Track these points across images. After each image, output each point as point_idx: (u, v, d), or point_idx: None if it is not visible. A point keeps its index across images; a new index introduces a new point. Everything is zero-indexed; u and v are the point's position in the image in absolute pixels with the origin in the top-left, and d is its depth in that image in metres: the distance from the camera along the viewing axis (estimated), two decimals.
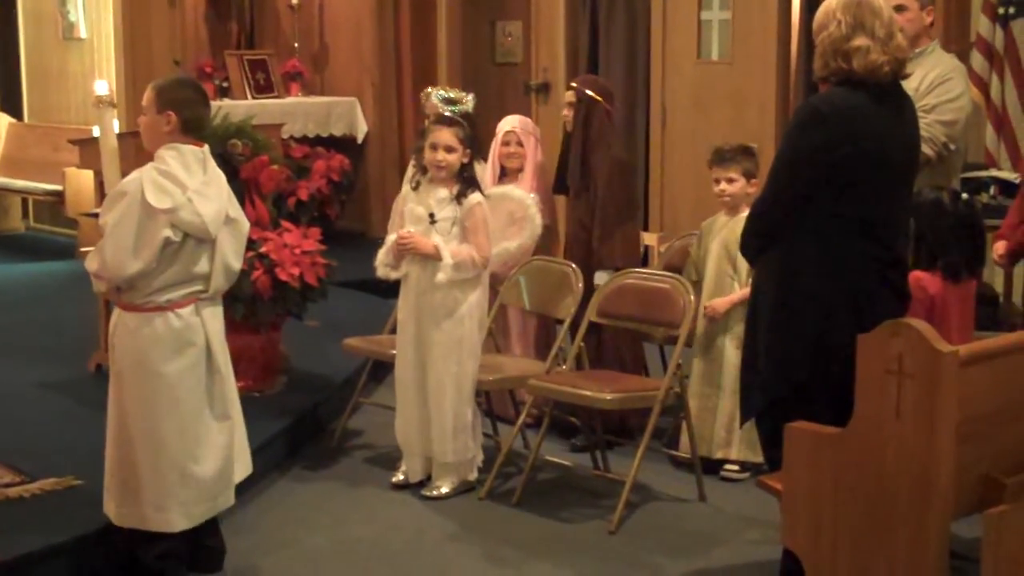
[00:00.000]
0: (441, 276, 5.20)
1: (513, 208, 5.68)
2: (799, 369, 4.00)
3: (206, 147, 4.37)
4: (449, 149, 5.29)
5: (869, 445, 3.75)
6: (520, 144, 6.20)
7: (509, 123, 6.29)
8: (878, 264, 3.98)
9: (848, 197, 3.92)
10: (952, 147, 5.20)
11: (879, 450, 3.73)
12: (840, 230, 3.94)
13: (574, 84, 6.13)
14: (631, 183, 6.13)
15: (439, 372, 5.31)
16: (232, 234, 4.37)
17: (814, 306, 3.96)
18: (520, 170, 6.19)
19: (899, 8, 5.50)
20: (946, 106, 5.19)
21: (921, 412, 3.64)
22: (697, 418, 5.46)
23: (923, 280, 4.44)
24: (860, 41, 3.91)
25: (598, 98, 5.96)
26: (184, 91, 4.35)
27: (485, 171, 6.10)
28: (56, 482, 4.93)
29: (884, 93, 3.98)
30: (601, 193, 5.88)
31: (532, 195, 5.80)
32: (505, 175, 6.22)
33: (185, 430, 4.28)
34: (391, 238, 5.40)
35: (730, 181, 5.55)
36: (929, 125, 4.98)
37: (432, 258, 5.24)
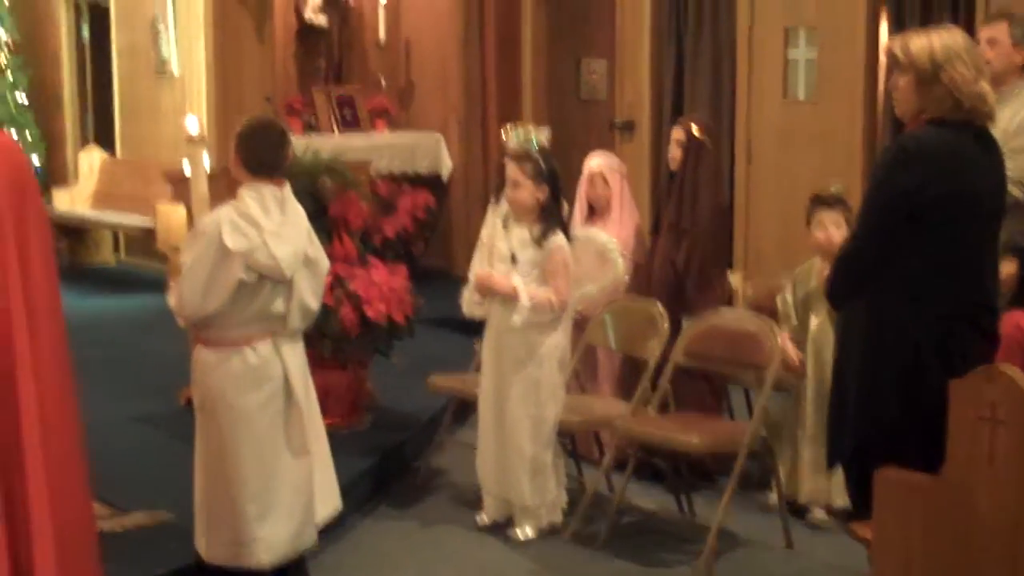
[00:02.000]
0: (516, 318, 5.20)
1: (598, 251, 5.68)
2: (888, 413, 3.96)
3: (287, 187, 4.40)
4: (515, 185, 5.30)
5: (961, 492, 3.70)
6: (606, 182, 6.19)
7: (595, 161, 6.29)
8: (967, 307, 3.94)
9: (937, 239, 3.88)
10: None
11: (971, 497, 3.68)
12: (929, 272, 3.89)
13: (686, 123, 6.06)
14: (727, 230, 6.09)
15: (517, 413, 5.31)
16: (311, 274, 4.40)
17: (903, 349, 3.92)
18: (608, 209, 6.18)
19: (991, 42, 5.46)
20: None
21: (1014, 459, 3.58)
22: (788, 462, 5.42)
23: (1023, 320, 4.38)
24: (985, 85, 3.88)
25: (705, 138, 5.92)
26: (255, 133, 4.40)
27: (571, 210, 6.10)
28: (148, 516, 5.01)
29: (974, 133, 3.94)
30: (702, 240, 5.84)
31: (615, 239, 5.79)
32: (593, 213, 6.22)
33: (263, 465, 4.32)
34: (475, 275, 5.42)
35: (836, 226, 5.44)
36: (1019, 167, 4.92)
37: (510, 299, 5.25)
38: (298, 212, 4.42)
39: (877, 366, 3.97)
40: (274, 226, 4.27)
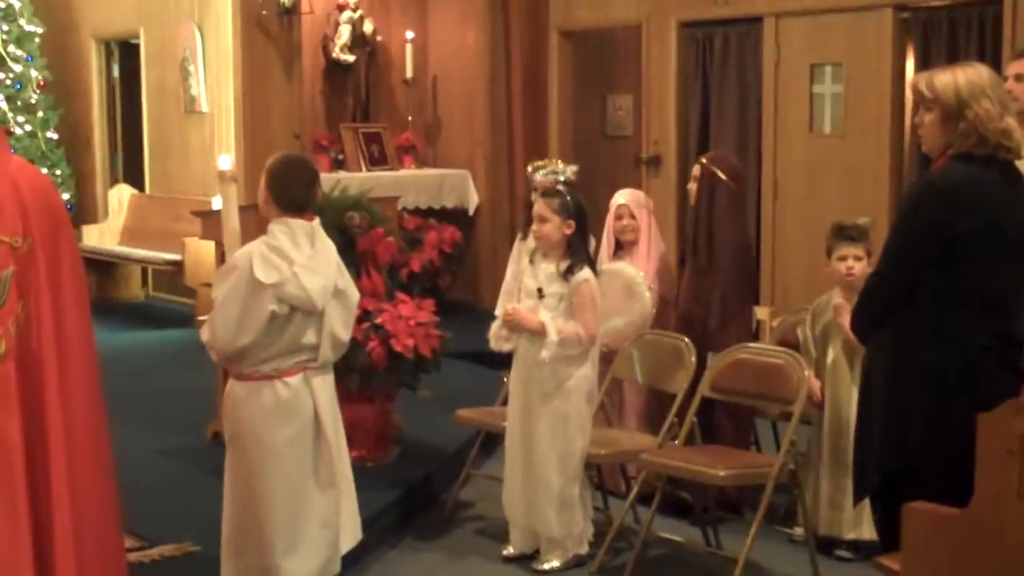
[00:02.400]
0: (545, 353, 5.22)
1: (625, 284, 5.69)
2: (913, 447, 3.94)
3: (316, 221, 4.45)
4: (542, 220, 5.33)
5: (989, 526, 3.67)
6: (633, 217, 6.21)
7: (622, 196, 6.31)
8: (994, 341, 3.92)
9: (963, 273, 3.88)
10: None
11: (999, 532, 3.65)
12: (955, 306, 3.89)
13: (703, 160, 6.10)
14: (752, 266, 6.10)
15: (544, 446, 5.32)
16: (341, 306, 4.43)
17: (928, 383, 3.91)
18: (635, 243, 6.19)
19: (1019, 77, 5.45)
20: None
21: None
22: (819, 496, 5.41)
23: None
24: (1010, 121, 3.88)
25: (723, 176, 5.94)
26: (287, 171, 4.44)
27: (599, 246, 6.12)
28: (175, 548, 5.03)
29: (1000, 168, 3.95)
30: (723, 278, 5.86)
31: (642, 273, 5.81)
32: (621, 248, 6.23)
33: (291, 499, 4.34)
34: (503, 310, 5.44)
35: (858, 259, 5.43)
36: None
37: (538, 335, 5.26)
38: (328, 245, 4.46)
39: (902, 399, 3.96)
40: (304, 259, 4.31)
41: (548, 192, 5.48)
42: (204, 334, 4.37)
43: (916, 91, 4.07)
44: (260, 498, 4.33)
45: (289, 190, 4.39)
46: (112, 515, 3.69)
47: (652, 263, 6.14)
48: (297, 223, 4.36)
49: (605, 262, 6.03)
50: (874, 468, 4.06)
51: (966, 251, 3.86)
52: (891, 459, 4.00)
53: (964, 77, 3.94)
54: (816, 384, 5.42)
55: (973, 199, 3.87)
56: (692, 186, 6.04)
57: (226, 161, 4.96)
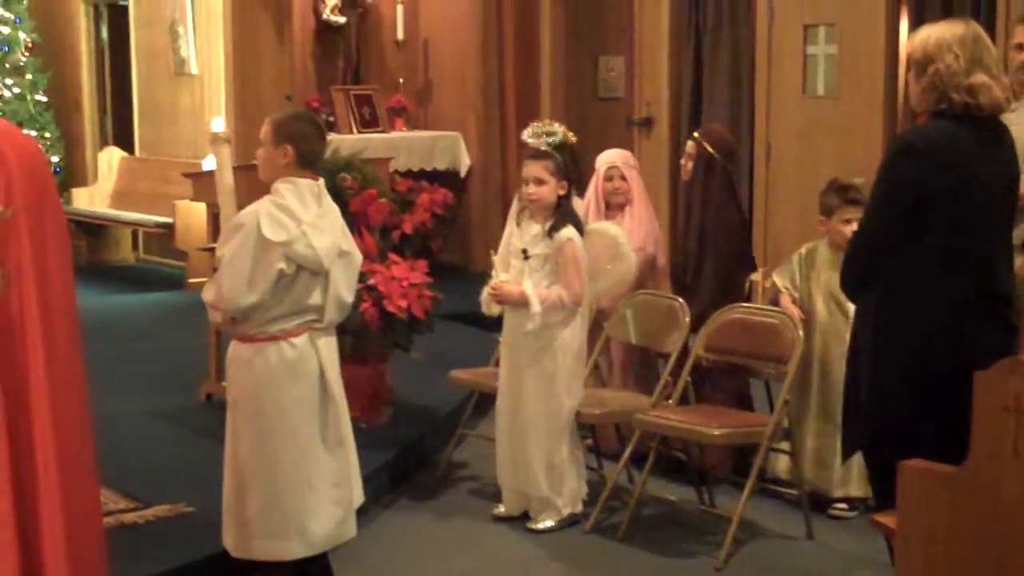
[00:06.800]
0: (529, 326, 5.22)
1: (609, 244, 5.67)
2: (899, 403, 3.97)
3: (321, 180, 4.42)
4: (539, 182, 5.29)
5: (985, 483, 3.68)
6: (623, 179, 6.16)
7: (610, 158, 6.20)
8: (978, 296, 3.94)
9: (945, 230, 3.90)
10: None
11: (996, 488, 3.66)
12: (938, 263, 3.91)
13: (696, 135, 6.05)
14: (745, 246, 6.09)
15: (532, 407, 5.32)
16: (345, 267, 4.41)
17: (912, 339, 3.94)
18: (625, 205, 6.15)
19: (1021, 47, 5.43)
20: None
21: None
22: (814, 455, 5.42)
23: None
24: (981, 78, 3.87)
25: (716, 155, 5.89)
26: (301, 125, 4.41)
27: (580, 206, 6.08)
28: (169, 509, 5.03)
29: (982, 125, 3.95)
30: (716, 259, 5.84)
31: (625, 233, 5.77)
32: (609, 209, 6.19)
33: (301, 459, 4.31)
34: (495, 275, 5.41)
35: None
36: None
37: (522, 305, 5.26)
38: (333, 206, 4.43)
39: (888, 356, 3.99)
40: (312, 218, 4.28)
41: (541, 154, 5.46)
42: (208, 294, 4.32)
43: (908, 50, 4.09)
44: (268, 459, 4.29)
45: (312, 143, 4.38)
46: (93, 478, 3.73)
47: (644, 225, 6.11)
48: (304, 182, 4.33)
49: (590, 223, 6.00)
50: (862, 426, 4.09)
51: (943, 208, 3.88)
52: (878, 414, 4.03)
53: (936, 34, 3.97)
54: (795, 310, 5.43)
55: (948, 156, 3.89)
56: (686, 163, 6.00)
57: (219, 123, 4.98)
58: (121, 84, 12.11)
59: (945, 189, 3.86)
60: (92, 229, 11.76)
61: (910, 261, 3.93)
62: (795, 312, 5.40)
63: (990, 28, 5.17)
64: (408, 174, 10.19)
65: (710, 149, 5.91)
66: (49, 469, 3.44)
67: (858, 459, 4.65)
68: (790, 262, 5.68)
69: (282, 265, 4.21)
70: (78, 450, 3.60)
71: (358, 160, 6.36)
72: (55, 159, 11.93)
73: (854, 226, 5.38)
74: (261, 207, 4.27)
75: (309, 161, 4.37)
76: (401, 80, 10.88)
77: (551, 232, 5.28)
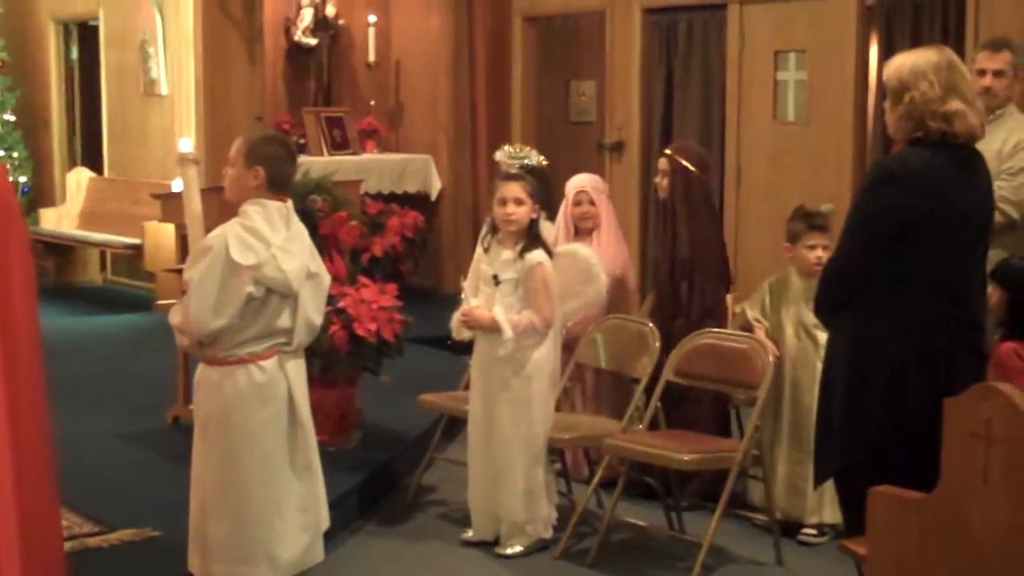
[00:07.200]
0: (502, 352, 5.21)
1: (580, 267, 5.66)
2: (872, 431, 3.97)
3: (290, 203, 4.40)
4: (518, 202, 5.27)
5: (955, 510, 3.68)
6: (592, 204, 6.16)
7: (579, 182, 6.22)
8: (954, 324, 3.95)
9: (921, 257, 3.90)
10: None
11: (966, 515, 3.66)
12: (913, 290, 3.92)
13: (668, 152, 6.02)
14: (726, 261, 6.09)
15: (507, 432, 5.30)
16: (314, 289, 4.39)
17: (887, 367, 3.94)
18: (593, 230, 6.15)
19: (998, 73, 5.48)
20: None
21: (1008, 477, 3.56)
22: (786, 482, 5.42)
23: (1022, 351, 4.38)
24: (956, 105, 3.88)
25: (692, 168, 5.91)
26: (273, 147, 4.39)
27: (551, 230, 6.08)
28: (135, 533, 4.98)
29: (958, 153, 3.96)
30: (700, 275, 5.83)
31: (595, 255, 5.76)
32: (578, 234, 6.18)
33: (270, 483, 4.28)
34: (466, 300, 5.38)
35: (826, 249, 5.36)
36: (1017, 188, 4.93)
37: (494, 331, 5.24)
38: (301, 228, 4.41)
39: (862, 385, 3.98)
40: (281, 240, 4.26)
41: (517, 176, 5.45)
42: (175, 317, 4.28)
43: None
44: (236, 483, 4.26)
45: (282, 166, 4.36)
46: (53, 500, 3.68)
47: (612, 249, 6.11)
48: (273, 204, 4.30)
49: (561, 245, 6.00)
50: (835, 452, 4.08)
51: (920, 236, 3.89)
52: (851, 444, 4.02)
53: (911, 61, 3.98)
54: (771, 345, 5.41)
55: (926, 183, 3.90)
56: (662, 181, 5.98)
57: (187, 144, 4.96)
58: (90, 104, 12.06)
59: (922, 217, 3.86)
60: (60, 250, 11.69)
61: (885, 288, 3.93)
62: (771, 347, 5.38)
63: (960, 54, 5.20)
64: (379, 197, 10.15)
65: (685, 164, 5.91)
66: (5, 491, 3.39)
67: (830, 485, 4.64)
68: (760, 291, 5.69)
69: (251, 288, 4.17)
70: (38, 473, 3.55)
71: (329, 182, 6.34)
72: (23, 179, 11.87)
73: (819, 252, 5.42)
74: (229, 229, 4.23)
75: (279, 184, 4.35)
76: (372, 102, 10.87)
77: (522, 253, 5.27)
